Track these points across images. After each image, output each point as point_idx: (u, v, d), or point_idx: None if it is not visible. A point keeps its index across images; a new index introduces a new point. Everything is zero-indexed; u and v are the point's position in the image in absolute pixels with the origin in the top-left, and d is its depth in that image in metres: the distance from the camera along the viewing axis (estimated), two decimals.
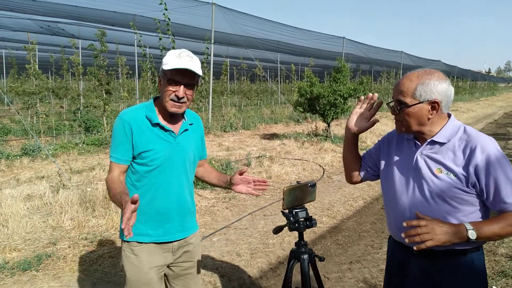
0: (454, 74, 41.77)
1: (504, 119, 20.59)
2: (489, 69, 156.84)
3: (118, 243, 4.45)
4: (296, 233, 1.83)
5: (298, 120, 14.77)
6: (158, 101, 2.08)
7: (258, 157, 8.80)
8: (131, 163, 2.06)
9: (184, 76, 1.94)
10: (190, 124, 2.16)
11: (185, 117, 2.14)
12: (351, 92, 11.10)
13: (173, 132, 2.06)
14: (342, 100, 10.94)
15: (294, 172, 7.78)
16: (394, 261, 1.86)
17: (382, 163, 1.91)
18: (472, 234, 1.52)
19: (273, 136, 12.33)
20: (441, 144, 1.67)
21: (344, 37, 18.32)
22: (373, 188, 6.85)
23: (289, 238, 4.58)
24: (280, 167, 7.91)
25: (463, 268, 1.67)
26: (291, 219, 1.75)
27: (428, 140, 1.70)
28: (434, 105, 1.63)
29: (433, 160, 1.68)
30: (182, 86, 1.95)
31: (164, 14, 5.98)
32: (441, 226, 1.51)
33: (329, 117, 11.25)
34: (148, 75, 16.90)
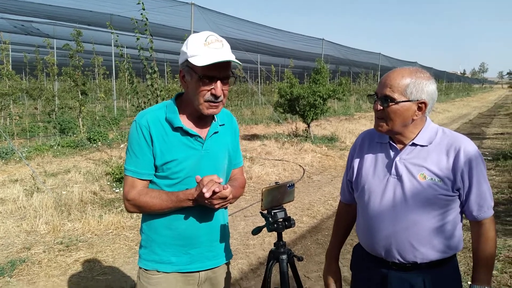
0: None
1: (478, 119, 21.16)
2: (464, 70, 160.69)
3: (95, 246, 4.36)
4: (275, 234, 1.82)
5: (279, 121, 14.82)
6: (182, 100, 1.71)
7: None
8: None
9: (220, 70, 1.55)
10: (221, 125, 1.76)
11: (215, 117, 1.74)
12: (331, 93, 11.26)
13: (199, 137, 1.68)
14: (321, 101, 11.07)
15: (274, 173, 7.79)
16: (375, 277, 1.70)
17: (355, 171, 1.75)
18: None
19: (253, 137, 12.34)
20: (422, 147, 1.57)
21: (323, 39, 18.43)
22: None
23: (270, 239, 4.58)
24: (261, 168, 7.91)
25: (447, 276, 1.61)
26: (270, 219, 1.73)
27: (409, 143, 1.59)
28: (422, 105, 1.53)
29: (415, 165, 1.56)
30: (219, 82, 1.56)
31: (142, 14, 5.92)
32: None
33: (309, 117, 11.34)
34: (126, 75, 16.67)
